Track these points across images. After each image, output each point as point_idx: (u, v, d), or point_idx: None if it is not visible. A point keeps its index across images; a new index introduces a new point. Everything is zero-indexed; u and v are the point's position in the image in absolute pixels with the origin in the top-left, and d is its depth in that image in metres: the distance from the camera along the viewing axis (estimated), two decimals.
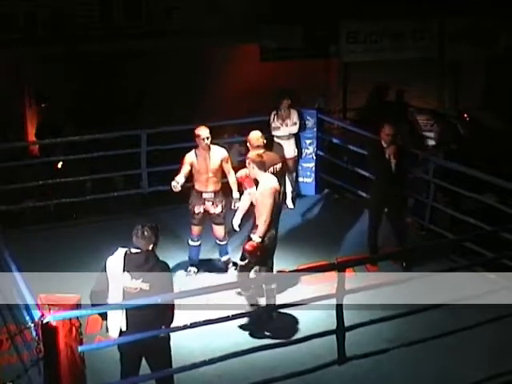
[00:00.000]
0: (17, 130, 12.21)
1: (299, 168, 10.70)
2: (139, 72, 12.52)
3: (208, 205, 8.22)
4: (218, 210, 8.23)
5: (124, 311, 5.43)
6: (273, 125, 10.20)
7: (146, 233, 5.49)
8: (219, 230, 8.32)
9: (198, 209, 8.21)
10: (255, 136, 8.17)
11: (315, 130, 10.71)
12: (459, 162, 9.20)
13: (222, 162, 8.17)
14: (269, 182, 7.28)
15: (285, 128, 10.19)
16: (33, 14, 11.69)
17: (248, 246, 7.12)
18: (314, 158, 10.80)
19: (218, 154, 8.19)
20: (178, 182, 8.00)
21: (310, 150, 10.74)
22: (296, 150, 10.33)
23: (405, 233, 8.68)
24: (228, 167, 8.22)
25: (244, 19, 12.72)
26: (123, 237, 8.50)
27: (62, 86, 12.36)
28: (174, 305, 5.50)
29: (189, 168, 8.15)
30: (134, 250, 5.52)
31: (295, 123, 10.20)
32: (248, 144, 8.22)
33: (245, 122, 11.64)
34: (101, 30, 12.10)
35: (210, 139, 8.12)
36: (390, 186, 8.47)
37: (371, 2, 13.42)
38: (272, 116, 10.21)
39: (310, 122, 10.66)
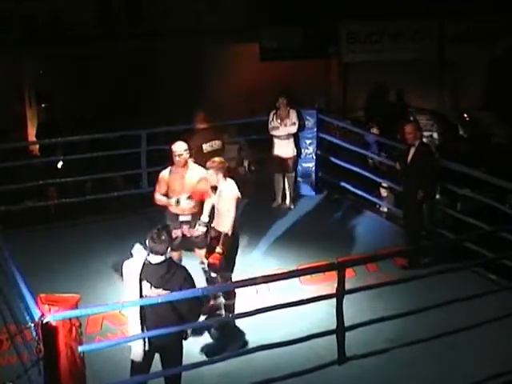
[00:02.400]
0: (17, 130, 12.23)
1: (299, 168, 10.69)
2: (139, 72, 12.52)
3: (186, 228, 7.50)
4: (198, 233, 7.42)
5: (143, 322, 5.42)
6: (272, 124, 10.20)
7: (163, 236, 5.40)
8: (203, 254, 7.47)
9: (176, 233, 7.32)
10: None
11: (315, 129, 10.70)
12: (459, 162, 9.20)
13: (199, 181, 7.41)
14: (232, 188, 6.98)
15: (283, 128, 10.18)
16: (33, 15, 11.72)
17: (212, 260, 6.75)
18: (314, 157, 10.80)
19: (196, 172, 7.48)
20: (175, 201, 7.39)
21: (309, 149, 10.73)
22: (295, 150, 10.32)
23: (415, 236, 8.48)
24: (205, 188, 7.36)
25: (244, 19, 12.74)
26: (123, 237, 8.54)
27: (62, 87, 12.37)
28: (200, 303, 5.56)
29: (165, 188, 7.51)
30: (153, 261, 5.41)
31: (294, 123, 10.19)
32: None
33: (245, 121, 11.67)
34: (101, 30, 12.11)
35: (185, 156, 7.46)
36: (408, 185, 8.55)
37: (371, 2, 13.43)
38: (271, 116, 10.21)
39: (310, 122, 10.65)
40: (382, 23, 13.80)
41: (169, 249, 5.45)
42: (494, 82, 15.11)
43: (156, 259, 5.40)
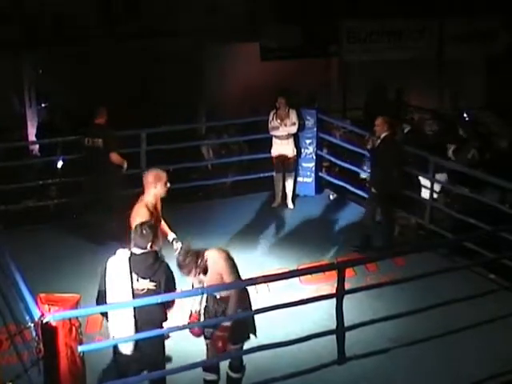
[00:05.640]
0: (17, 130, 12.22)
1: (299, 168, 10.68)
2: (140, 72, 12.51)
3: None
4: None
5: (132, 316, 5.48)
6: (272, 124, 10.20)
7: (144, 231, 5.55)
8: None
9: None
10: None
11: (315, 129, 10.70)
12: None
13: None
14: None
15: (283, 128, 10.18)
16: (33, 15, 11.71)
17: (221, 344, 5.79)
18: (314, 157, 10.79)
19: None
20: None
21: (309, 149, 10.73)
22: (295, 150, 10.32)
23: (386, 230, 8.87)
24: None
25: (244, 19, 12.74)
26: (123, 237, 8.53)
27: (61, 86, 12.36)
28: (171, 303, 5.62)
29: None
30: (137, 251, 5.55)
31: (294, 123, 10.18)
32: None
33: (246, 121, 11.67)
34: (100, 30, 12.11)
35: None
36: (373, 175, 9.05)
37: (371, 1, 13.43)
38: (271, 115, 10.20)
39: (310, 122, 10.64)
40: (382, 22, 13.81)
41: (150, 244, 5.55)
42: (493, 81, 15.10)
43: (140, 250, 5.56)
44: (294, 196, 10.47)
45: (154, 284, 5.48)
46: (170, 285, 5.55)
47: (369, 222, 8.98)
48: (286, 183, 10.37)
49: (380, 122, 8.78)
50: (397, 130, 10.75)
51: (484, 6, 13.84)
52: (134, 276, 5.48)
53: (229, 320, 5.73)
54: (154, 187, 6.52)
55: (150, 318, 5.47)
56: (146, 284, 5.48)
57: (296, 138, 10.38)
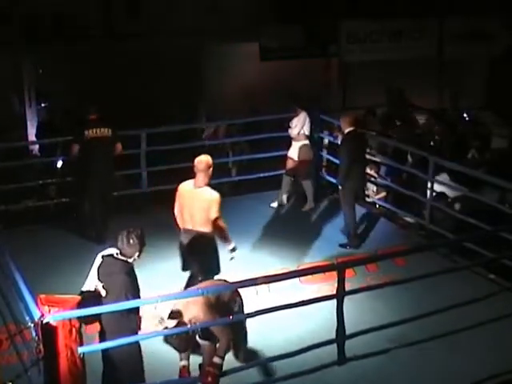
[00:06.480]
0: (17, 130, 12.21)
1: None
2: (139, 71, 12.51)
3: None
4: None
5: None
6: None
7: (131, 240, 5.37)
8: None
9: None
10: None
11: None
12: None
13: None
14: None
15: (289, 130, 10.21)
16: (33, 15, 11.70)
17: (210, 379, 5.64)
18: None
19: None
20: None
21: None
22: (303, 154, 10.18)
23: (346, 225, 9.07)
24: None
25: (244, 19, 12.73)
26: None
27: (61, 86, 12.36)
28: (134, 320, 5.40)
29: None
30: (108, 252, 5.48)
31: (295, 126, 10.15)
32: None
33: (246, 121, 11.67)
34: (100, 30, 12.10)
35: None
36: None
37: (371, 1, 13.43)
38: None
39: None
40: (381, 22, 13.81)
41: (137, 252, 5.40)
42: (494, 81, 15.11)
43: (115, 252, 5.42)
44: (315, 196, 10.34)
45: (105, 292, 5.36)
46: (114, 299, 5.29)
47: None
48: (305, 187, 10.27)
49: (342, 119, 9.11)
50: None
51: (484, 5, 13.84)
52: (96, 275, 5.42)
53: (214, 325, 5.70)
54: (211, 172, 7.00)
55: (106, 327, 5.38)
56: (100, 287, 5.38)
57: (312, 142, 10.35)
